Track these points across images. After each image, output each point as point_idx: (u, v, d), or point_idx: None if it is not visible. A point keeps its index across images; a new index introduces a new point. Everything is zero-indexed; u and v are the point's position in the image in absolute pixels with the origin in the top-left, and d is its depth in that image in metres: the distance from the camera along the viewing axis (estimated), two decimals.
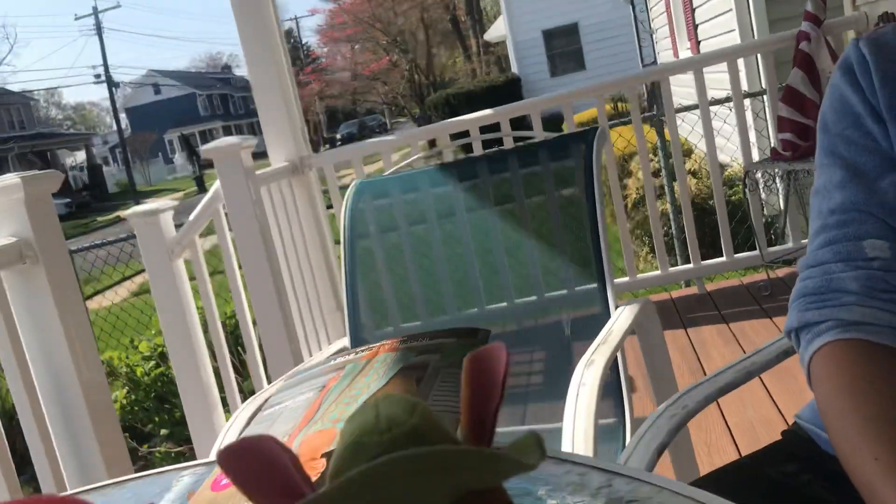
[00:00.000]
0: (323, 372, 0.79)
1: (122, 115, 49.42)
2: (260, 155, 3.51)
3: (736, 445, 2.28)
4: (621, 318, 1.45)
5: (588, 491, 0.58)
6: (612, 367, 1.63)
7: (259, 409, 0.83)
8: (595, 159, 1.60)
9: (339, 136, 38.71)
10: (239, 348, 3.84)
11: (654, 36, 12.52)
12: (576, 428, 1.07)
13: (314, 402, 0.72)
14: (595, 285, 1.75)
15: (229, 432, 1.33)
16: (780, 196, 4.35)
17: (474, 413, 0.29)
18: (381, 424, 0.28)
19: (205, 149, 2.95)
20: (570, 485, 0.59)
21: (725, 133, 5.15)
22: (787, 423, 0.96)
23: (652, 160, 5.38)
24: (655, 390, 1.57)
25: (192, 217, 3.02)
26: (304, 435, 0.66)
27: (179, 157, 46.87)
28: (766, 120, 4.65)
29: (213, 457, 0.97)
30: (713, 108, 4.49)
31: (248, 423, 1.26)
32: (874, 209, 0.80)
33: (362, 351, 0.78)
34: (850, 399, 0.74)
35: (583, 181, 1.64)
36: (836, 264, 0.81)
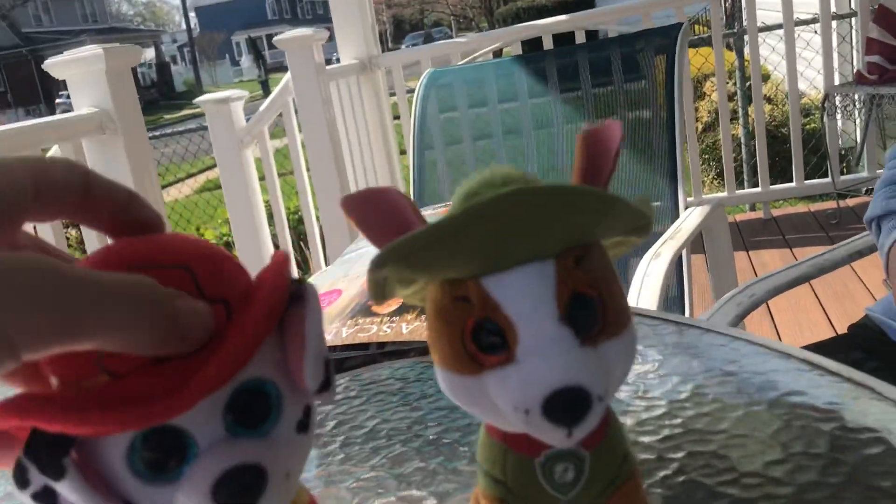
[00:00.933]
0: None
1: (192, 14, 49.51)
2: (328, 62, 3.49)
3: (808, 341, 2.30)
4: (691, 217, 1.44)
5: (660, 339, 0.59)
6: (676, 277, 1.63)
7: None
8: (679, 56, 1.56)
9: (404, 47, 38.16)
10: (301, 243, 3.91)
11: None
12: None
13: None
14: (667, 202, 1.73)
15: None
16: (859, 125, 4.19)
17: (588, 177, 0.30)
18: (495, 179, 0.29)
19: (278, 38, 2.95)
20: (641, 333, 0.61)
21: (806, 58, 4.95)
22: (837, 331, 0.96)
23: (728, 82, 5.22)
24: (717, 296, 1.57)
25: (262, 107, 3.05)
26: None
27: (246, 60, 46.95)
28: (851, 45, 4.45)
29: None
30: (797, 30, 4.31)
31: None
32: None
33: (439, 206, 0.80)
34: None
35: (665, 81, 1.61)
36: None
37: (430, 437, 0.51)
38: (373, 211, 0.29)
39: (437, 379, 0.31)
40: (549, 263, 0.28)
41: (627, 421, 0.48)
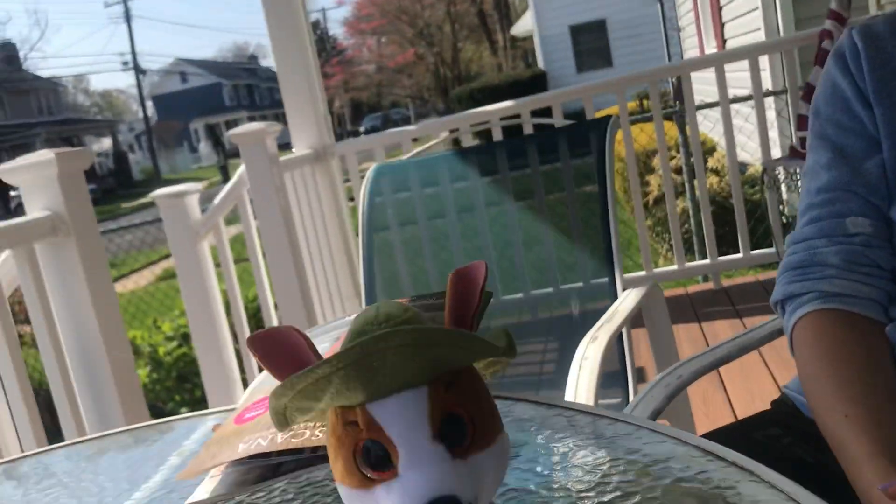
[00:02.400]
0: (338, 326, 0.85)
1: (149, 103, 49.90)
2: (283, 147, 3.58)
3: (735, 416, 2.35)
4: (627, 299, 1.50)
5: (574, 430, 0.64)
6: (619, 358, 1.69)
7: None
8: (608, 146, 1.65)
9: (363, 129, 38.86)
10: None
11: (681, 34, 12.48)
12: (576, 398, 1.13)
13: (330, 348, 0.79)
14: (606, 279, 1.80)
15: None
16: (800, 194, 4.36)
17: (455, 315, 0.35)
18: (379, 318, 0.34)
19: (232, 133, 3.02)
20: (558, 425, 0.65)
21: (747, 132, 5.16)
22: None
23: (675, 157, 5.41)
24: (659, 370, 1.62)
25: (217, 200, 3.10)
26: None
27: (204, 147, 47.23)
28: (787, 119, 4.66)
29: (235, 404, 1.04)
30: (736, 106, 4.51)
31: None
32: (858, 188, 0.85)
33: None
34: (826, 363, 0.79)
35: (596, 168, 1.69)
36: (819, 240, 0.86)
37: None
38: (274, 349, 0.34)
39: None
40: (423, 389, 0.33)
41: None
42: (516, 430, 0.66)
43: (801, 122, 3.37)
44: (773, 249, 3.63)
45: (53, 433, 1.91)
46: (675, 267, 3.75)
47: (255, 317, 3.90)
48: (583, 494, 0.53)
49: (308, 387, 0.32)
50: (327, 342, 0.82)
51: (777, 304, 0.90)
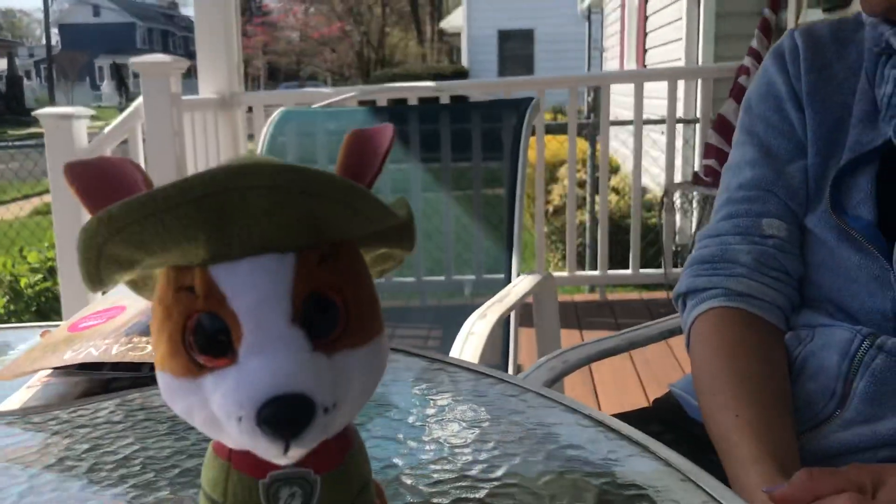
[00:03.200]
0: None
1: (54, 31, 47.29)
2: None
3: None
4: (521, 284, 1.46)
5: (456, 386, 0.58)
6: (502, 346, 1.64)
7: None
8: (525, 130, 1.60)
9: None
10: None
11: (603, 55, 12.72)
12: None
13: None
14: (502, 275, 1.75)
15: None
16: (694, 222, 4.47)
17: (350, 169, 0.27)
18: (249, 161, 0.26)
19: (135, 61, 2.83)
20: (440, 379, 0.59)
21: (653, 156, 5.27)
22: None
23: (580, 171, 5.46)
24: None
25: (107, 129, 2.91)
26: None
27: (108, 86, 45.16)
28: (693, 148, 4.78)
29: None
30: (645, 130, 4.58)
31: None
32: (779, 190, 0.82)
33: None
34: (724, 360, 0.75)
35: (510, 150, 1.64)
36: (733, 236, 0.83)
37: (188, 467, 0.46)
38: (99, 179, 0.26)
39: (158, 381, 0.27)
40: (289, 257, 0.25)
41: (399, 462, 0.45)
42: (391, 378, 0.59)
43: (708, 150, 3.44)
44: (661, 270, 3.69)
45: None
46: (565, 273, 3.77)
47: None
48: (457, 450, 0.47)
49: (131, 225, 0.23)
50: None
51: (679, 298, 0.86)
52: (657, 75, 3.85)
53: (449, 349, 1.91)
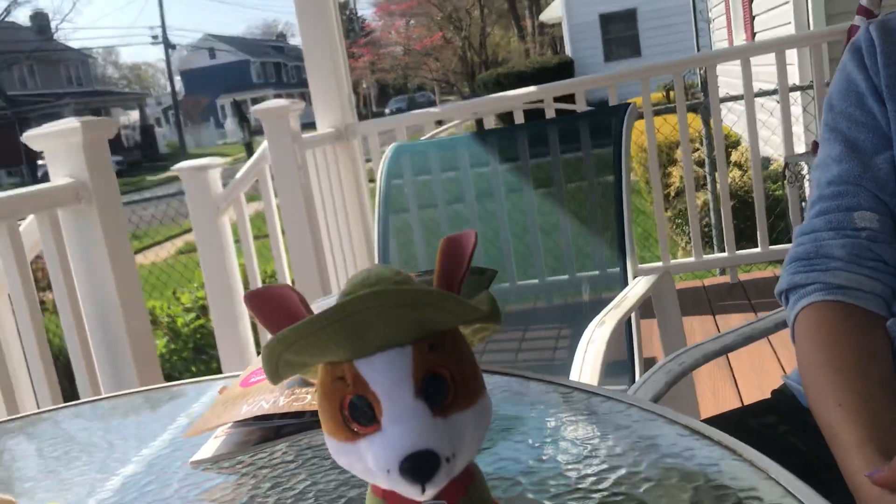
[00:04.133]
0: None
1: (177, 78, 50.14)
2: (307, 126, 3.60)
3: (742, 404, 2.37)
4: (637, 286, 1.51)
5: (568, 406, 0.66)
6: (626, 343, 1.69)
7: None
8: (625, 133, 1.66)
9: (387, 111, 38.93)
10: None
11: (711, 25, 12.35)
12: (580, 379, 1.15)
13: None
14: (617, 267, 1.80)
15: None
16: None
17: (444, 278, 0.36)
18: (370, 279, 0.36)
19: (255, 109, 3.05)
20: (552, 401, 0.67)
21: (772, 126, 5.12)
22: None
23: (698, 150, 5.38)
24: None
25: (238, 175, 3.13)
26: None
27: (230, 123, 47.42)
28: (813, 115, 4.62)
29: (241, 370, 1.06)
30: (762, 100, 4.47)
31: None
32: (867, 183, 0.86)
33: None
34: (825, 353, 0.80)
35: (613, 155, 1.70)
36: (826, 232, 0.87)
37: (352, 497, 0.56)
38: (269, 305, 0.36)
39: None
40: (407, 349, 0.34)
41: (523, 480, 0.54)
42: (512, 404, 0.67)
43: None
44: (791, 245, 3.60)
45: (71, 398, 1.94)
46: (692, 259, 3.74)
47: None
48: (570, 466, 0.55)
49: (298, 341, 0.33)
50: None
51: (781, 294, 0.90)
52: (764, 48, 3.76)
53: (577, 347, 1.97)
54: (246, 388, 0.71)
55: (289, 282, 3.24)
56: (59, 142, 1.92)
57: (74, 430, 0.83)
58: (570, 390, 0.68)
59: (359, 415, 0.35)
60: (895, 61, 0.86)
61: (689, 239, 4.75)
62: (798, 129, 4.73)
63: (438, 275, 0.37)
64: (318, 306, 0.90)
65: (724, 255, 3.73)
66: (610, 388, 0.65)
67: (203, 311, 4.22)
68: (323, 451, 0.65)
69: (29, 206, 1.84)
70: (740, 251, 3.69)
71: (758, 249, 3.65)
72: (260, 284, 3.18)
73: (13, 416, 0.89)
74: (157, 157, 39.04)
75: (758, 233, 3.61)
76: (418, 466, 0.33)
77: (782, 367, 2.53)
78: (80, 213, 1.93)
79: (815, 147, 3.49)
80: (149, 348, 2.11)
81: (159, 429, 0.79)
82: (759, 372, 2.57)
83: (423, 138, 2.19)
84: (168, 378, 4.09)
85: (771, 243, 3.64)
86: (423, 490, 0.34)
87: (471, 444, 0.36)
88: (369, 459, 0.34)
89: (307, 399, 0.65)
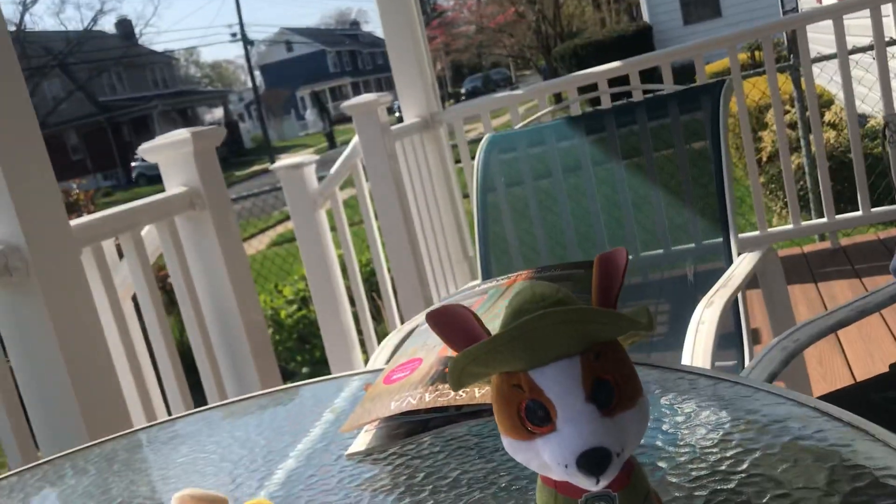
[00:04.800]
0: (468, 296, 0.92)
1: (257, 73, 51.26)
2: (389, 112, 3.67)
3: (853, 378, 2.32)
4: (742, 264, 1.52)
5: (697, 392, 0.69)
6: (734, 320, 1.70)
7: (410, 332, 0.98)
8: (722, 112, 1.66)
9: (463, 91, 38.92)
10: (374, 294, 4.07)
11: None
12: (693, 362, 1.17)
13: None
14: (720, 239, 1.81)
15: (378, 358, 1.50)
16: None
17: (601, 295, 0.41)
18: (535, 297, 0.41)
19: (346, 105, 3.14)
20: (682, 387, 0.71)
21: (868, 82, 4.93)
22: None
23: (789, 111, 5.23)
24: (775, 333, 1.64)
25: (333, 170, 3.23)
26: None
27: (310, 114, 48.27)
28: None
29: (380, 365, 1.14)
30: (856, 56, 4.33)
31: (398, 346, 1.43)
32: None
33: (503, 279, 0.91)
34: None
35: (709, 134, 1.70)
36: None
37: (503, 485, 0.62)
38: (449, 323, 0.41)
39: (502, 441, 0.42)
40: (576, 359, 0.39)
41: (663, 465, 0.58)
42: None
43: None
44: (894, 206, 3.50)
45: (195, 391, 2.06)
46: (790, 226, 3.67)
47: (369, 280, 4.05)
48: (707, 450, 0.59)
49: (482, 356, 0.38)
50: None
51: None
52: (858, 4, 3.63)
53: (677, 325, 1.98)
54: (389, 384, 0.78)
55: (385, 270, 3.34)
56: (171, 153, 2.04)
57: (230, 428, 0.91)
58: (696, 376, 0.72)
59: (534, 417, 0.40)
60: None
61: (785, 204, 4.64)
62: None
63: (596, 290, 0.41)
64: (450, 299, 0.96)
65: (824, 220, 3.64)
66: (730, 372, 0.68)
67: (303, 302, 4.37)
68: (467, 441, 0.71)
69: (148, 216, 1.96)
70: (840, 216, 3.59)
71: (859, 213, 3.55)
72: (358, 274, 3.29)
73: (172, 417, 0.98)
74: (243, 152, 40.08)
75: (858, 195, 3.52)
76: (593, 461, 0.38)
77: (894, 337, 2.48)
78: (195, 218, 2.04)
79: None
80: (264, 340, 2.23)
81: (308, 424, 0.86)
82: (869, 345, 2.52)
83: (517, 126, 2.22)
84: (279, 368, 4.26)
85: (872, 205, 3.54)
86: (598, 482, 0.38)
87: (634, 439, 0.41)
88: (546, 456, 0.39)
89: (451, 395, 0.71)
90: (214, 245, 2.06)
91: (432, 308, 0.41)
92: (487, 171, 1.88)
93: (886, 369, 1.03)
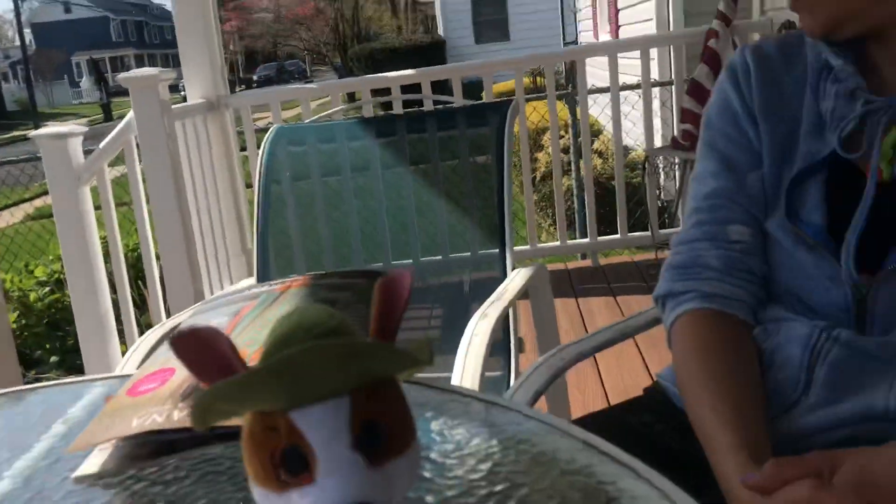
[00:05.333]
0: (236, 300, 0.85)
1: (27, 31, 46.81)
2: (174, 90, 3.45)
3: (608, 402, 2.47)
4: (516, 279, 1.55)
5: (468, 417, 0.67)
6: (503, 328, 1.73)
7: (167, 334, 0.89)
8: (507, 130, 1.69)
9: (255, 78, 37.88)
10: (139, 282, 3.80)
11: (577, 15, 12.72)
12: (465, 372, 1.17)
13: (228, 325, 0.79)
14: (496, 250, 1.84)
15: (132, 358, 1.37)
16: (676, 182, 4.56)
17: (381, 323, 0.36)
18: (304, 325, 0.35)
19: (122, 77, 2.90)
20: (453, 411, 0.68)
21: (633, 118, 5.34)
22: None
23: (563, 137, 5.54)
24: (541, 348, 1.69)
25: (102, 145, 2.97)
26: None
27: (87, 82, 44.80)
28: (671, 109, 4.85)
29: (128, 371, 1.03)
30: (625, 93, 4.67)
31: (157, 345, 1.31)
32: (741, 199, 0.91)
33: (276, 284, 0.85)
34: (700, 359, 0.85)
35: (494, 150, 1.73)
36: (703, 242, 0.92)
37: None
38: (201, 351, 0.35)
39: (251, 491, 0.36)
40: (345, 398, 0.34)
41: (430, 499, 0.55)
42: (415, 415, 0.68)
43: (685, 114, 3.52)
44: (648, 232, 3.79)
45: None
46: (557, 243, 3.87)
47: (135, 266, 3.77)
48: (475, 483, 0.56)
49: (234, 393, 0.33)
50: (224, 317, 0.81)
51: (659, 300, 0.95)
52: (630, 45, 3.92)
53: (451, 332, 2.00)
54: (135, 397, 0.69)
55: (153, 257, 3.12)
56: None
57: None
58: (469, 399, 0.70)
59: (291, 465, 0.34)
60: (768, 83, 0.92)
61: (553, 222, 4.88)
62: (657, 122, 4.95)
63: (376, 321, 0.37)
64: (216, 302, 0.87)
65: (587, 240, 3.88)
66: (497, 382, 0.67)
67: (58, 284, 4.00)
68: (219, 464, 0.64)
69: None
70: (602, 237, 3.85)
71: (618, 236, 3.81)
72: (122, 259, 3.04)
73: None
74: (4, 115, 36.37)
75: (618, 220, 3.78)
76: None
77: (645, 364, 2.65)
78: None
79: (673, 142, 3.67)
80: (3, 325, 1.99)
81: (33, 437, 0.75)
82: (622, 367, 2.68)
83: (307, 121, 2.15)
84: (21, 355, 3.85)
85: (629, 230, 3.82)
86: None
87: (404, 490, 0.36)
88: None
89: None
90: None
91: (180, 329, 0.35)
92: (273, 161, 1.80)
93: (641, 393, 1.07)
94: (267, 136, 1.85)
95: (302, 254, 1.96)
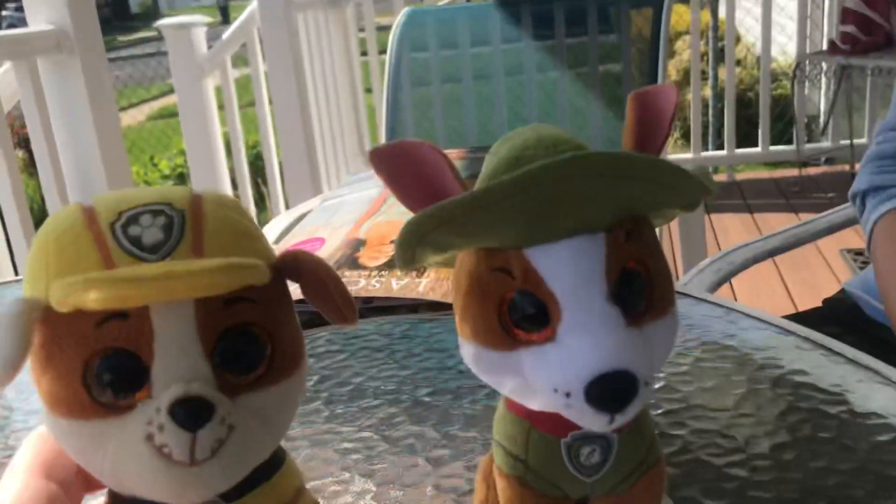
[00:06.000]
0: (368, 187, 0.77)
1: None
2: None
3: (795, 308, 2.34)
4: None
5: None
6: None
7: (300, 218, 0.83)
8: (666, 9, 1.54)
9: None
10: (259, 181, 3.83)
11: None
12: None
13: (378, 197, 0.71)
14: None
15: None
16: (822, 94, 4.22)
17: (640, 141, 0.27)
18: (545, 142, 0.27)
19: None
20: None
21: (780, 25, 4.95)
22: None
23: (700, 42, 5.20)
24: (687, 262, 1.59)
25: (225, 35, 2.95)
26: (371, 223, 0.65)
27: None
28: (823, 13, 4.46)
29: None
30: None
31: (285, 231, 1.26)
32: None
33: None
34: None
35: (649, 34, 1.58)
36: None
37: (421, 399, 0.49)
38: (406, 169, 0.27)
39: (461, 349, 0.28)
40: (600, 236, 0.25)
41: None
42: None
43: (846, 14, 3.19)
44: (792, 146, 3.53)
45: None
46: (689, 154, 3.66)
47: (255, 163, 3.80)
48: (678, 378, 0.47)
49: (459, 217, 0.24)
50: (374, 188, 0.74)
51: (857, 196, 0.82)
52: None
53: None
54: None
55: (274, 154, 3.12)
56: None
57: None
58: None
59: (526, 318, 0.26)
60: None
61: (681, 134, 4.65)
62: (807, 27, 4.56)
63: (632, 139, 0.27)
64: (346, 188, 0.80)
65: (723, 153, 3.65)
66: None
67: (181, 178, 4.09)
68: (374, 341, 0.57)
69: (4, 52, 1.69)
70: (739, 150, 3.61)
71: (758, 149, 3.57)
72: (243, 155, 3.05)
73: None
74: (128, 16, 37.41)
75: (759, 132, 3.53)
76: (612, 391, 0.25)
77: (786, 287, 2.49)
78: (62, 64, 1.78)
79: (831, 47, 3.35)
80: None
81: None
82: (760, 293, 2.53)
83: (440, 3, 2.03)
84: None
85: (770, 144, 3.56)
86: (612, 420, 0.25)
87: (661, 363, 0.28)
88: (536, 375, 0.26)
89: (360, 284, 0.57)
90: (83, 98, 1.81)
91: (378, 146, 0.27)
92: (404, 44, 1.69)
93: (778, 308, 0.95)
94: (396, 21, 1.74)
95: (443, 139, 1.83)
